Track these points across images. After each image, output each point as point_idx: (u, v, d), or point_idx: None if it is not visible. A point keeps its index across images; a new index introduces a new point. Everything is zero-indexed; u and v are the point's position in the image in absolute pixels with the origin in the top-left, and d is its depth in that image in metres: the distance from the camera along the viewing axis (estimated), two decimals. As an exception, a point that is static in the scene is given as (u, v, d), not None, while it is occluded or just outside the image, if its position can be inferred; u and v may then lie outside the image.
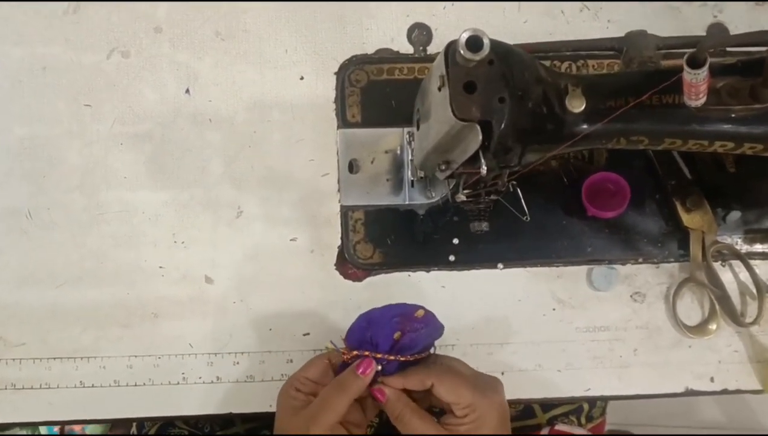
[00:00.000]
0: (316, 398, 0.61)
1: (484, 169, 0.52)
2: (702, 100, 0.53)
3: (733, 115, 0.55)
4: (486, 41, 0.48)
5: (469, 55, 0.48)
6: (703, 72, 0.49)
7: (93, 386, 0.73)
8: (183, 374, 0.74)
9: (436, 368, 0.62)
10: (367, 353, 0.62)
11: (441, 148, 0.57)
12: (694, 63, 0.49)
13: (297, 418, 0.60)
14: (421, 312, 0.64)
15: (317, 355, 0.66)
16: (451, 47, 0.50)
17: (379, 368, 0.62)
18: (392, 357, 0.62)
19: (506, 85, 0.51)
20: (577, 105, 0.55)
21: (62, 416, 0.74)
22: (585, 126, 0.56)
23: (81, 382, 0.73)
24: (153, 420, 0.88)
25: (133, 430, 0.94)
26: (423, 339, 0.63)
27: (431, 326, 0.64)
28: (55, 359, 0.74)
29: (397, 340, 0.62)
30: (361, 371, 0.61)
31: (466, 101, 0.50)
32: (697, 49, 0.49)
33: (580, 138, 0.56)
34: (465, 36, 0.48)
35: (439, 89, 0.52)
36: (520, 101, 0.52)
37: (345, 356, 0.63)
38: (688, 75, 0.50)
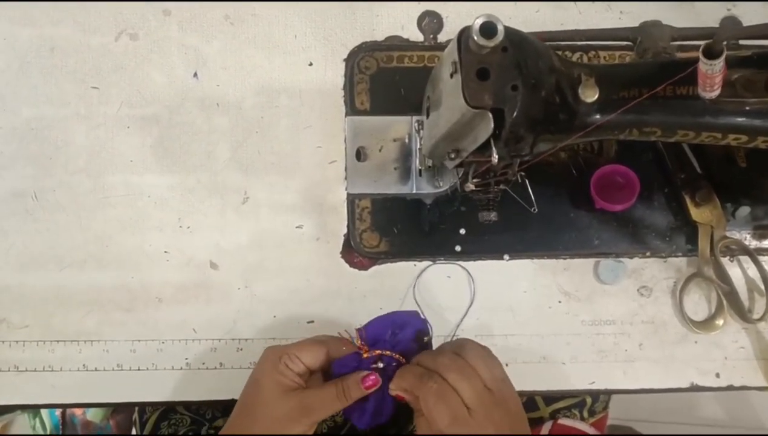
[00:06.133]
0: (315, 392, 0.61)
1: (495, 158, 0.52)
2: (716, 92, 0.52)
3: (747, 108, 0.54)
4: (500, 28, 0.47)
5: (482, 41, 0.47)
6: (719, 63, 0.49)
7: (96, 369, 0.73)
8: (186, 359, 0.74)
9: (432, 390, 0.58)
10: (388, 352, 0.63)
11: (451, 136, 0.56)
12: (710, 54, 0.48)
13: (288, 401, 0.60)
14: (427, 339, 0.66)
15: (317, 339, 0.65)
16: (464, 33, 0.50)
17: (381, 365, 0.63)
18: (404, 360, 0.63)
19: (519, 73, 0.50)
20: (590, 95, 0.54)
21: (65, 399, 0.74)
22: (597, 116, 0.56)
23: (84, 365, 0.73)
24: (155, 405, 0.88)
25: (135, 415, 0.94)
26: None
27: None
28: (58, 341, 0.74)
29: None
30: (366, 385, 0.61)
31: (478, 88, 0.50)
32: (713, 39, 0.48)
33: (592, 128, 0.56)
34: (479, 22, 0.47)
35: (451, 76, 0.51)
36: (533, 90, 0.51)
37: (365, 354, 0.63)
38: (704, 66, 0.50)
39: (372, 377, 0.62)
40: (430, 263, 0.75)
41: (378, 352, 0.63)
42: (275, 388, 0.61)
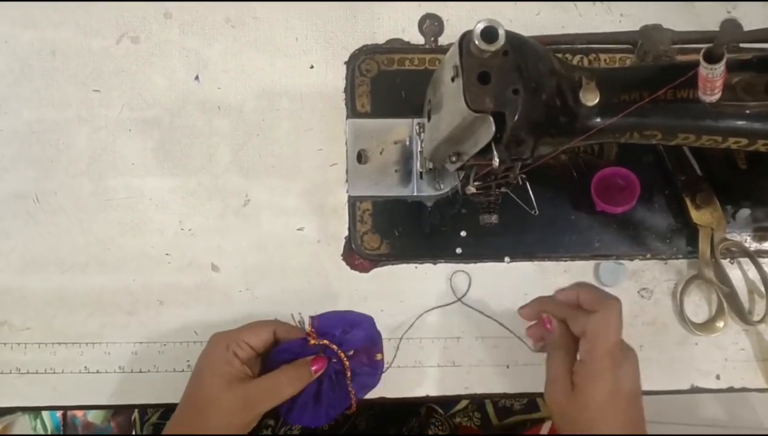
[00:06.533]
0: (261, 382, 0.61)
1: (496, 162, 0.52)
2: (717, 96, 0.53)
3: (747, 112, 0.54)
4: (501, 32, 0.47)
5: (483, 45, 0.47)
6: (720, 67, 0.49)
7: (98, 371, 0.73)
8: (188, 361, 0.74)
9: (615, 309, 0.59)
10: (335, 347, 0.64)
11: (452, 139, 0.56)
12: (711, 58, 0.48)
13: (233, 393, 0.60)
14: (380, 356, 0.66)
15: (262, 321, 0.66)
16: (465, 38, 0.50)
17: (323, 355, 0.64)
18: (347, 363, 0.64)
19: (520, 76, 0.51)
20: (590, 98, 0.55)
21: (66, 401, 0.74)
22: (598, 119, 0.56)
23: (86, 367, 0.73)
24: (157, 407, 0.88)
25: (135, 415, 0.94)
26: (360, 375, 0.66)
27: (377, 370, 0.67)
28: (60, 344, 0.74)
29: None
30: (315, 368, 0.62)
31: (479, 92, 0.50)
32: (714, 44, 0.48)
33: (593, 132, 0.56)
34: (480, 26, 0.48)
35: (453, 80, 0.52)
36: (534, 93, 0.51)
37: (312, 341, 0.64)
38: (705, 70, 0.50)
39: (320, 361, 0.63)
40: (431, 264, 0.76)
41: (325, 342, 0.64)
42: (220, 380, 0.60)
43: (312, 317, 0.66)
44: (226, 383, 0.60)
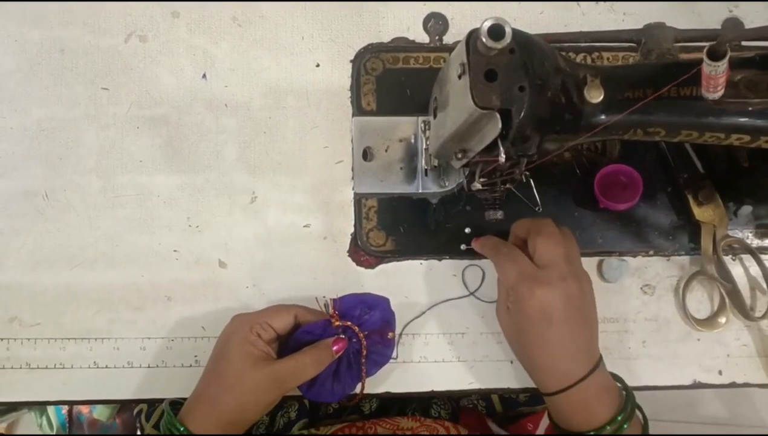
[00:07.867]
0: (287, 362, 0.64)
1: (502, 158, 0.53)
2: (720, 93, 0.53)
3: (750, 108, 0.55)
4: (508, 30, 0.48)
5: (490, 43, 0.48)
6: (723, 64, 0.50)
7: (107, 367, 0.74)
8: (196, 357, 0.74)
9: (502, 253, 0.66)
10: (356, 328, 0.68)
11: (459, 136, 0.57)
12: (715, 55, 0.49)
13: (259, 372, 0.63)
14: (392, 335, 0.70)
15: (283, 305, 0.69)
16: (472, 35, 0.51)
17: (343, 337, 0.68)
18: (364, 342, 0.68)
19: (526, 74, 0.51)
20: (595, 95, 0.55)
21: (75, 396, 0.75)
22: (603, 117, 0.56)
23: (95, 363, 0.74)
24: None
25: (141, 406, 0.94)
26: (373, 353, 0.70)
27: (389, 349, 0.71)
28: (69, 339, 0.74)
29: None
30: (336, 348, 0.66)
31: (486, 89, 0.51)
32: (717, 41, 0.49)
33: (598, 130, 0.57)
34: (487, 24, 0.48)
35: (459, 77, 0.52)
36: (540, 90, 0.52)
37: (336, 322, 0.68)
38: (708, 67, 0.50)
39: (341, 342, 0.67)
40: (436, 260, 0.76)
41: (348, 323, 0.68)
42: (246, 360, 0.63)
43: (334, 299, 0.70)
44: (253, 363, 0.63)
